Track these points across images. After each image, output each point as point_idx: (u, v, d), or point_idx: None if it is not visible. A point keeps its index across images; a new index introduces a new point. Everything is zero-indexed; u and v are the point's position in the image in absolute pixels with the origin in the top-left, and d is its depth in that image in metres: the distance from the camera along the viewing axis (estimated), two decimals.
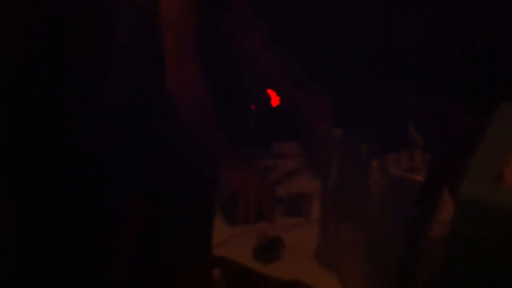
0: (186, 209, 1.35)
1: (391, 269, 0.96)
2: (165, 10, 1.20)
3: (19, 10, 0.89)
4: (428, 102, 1.44)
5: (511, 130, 0.83)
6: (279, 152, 1.53)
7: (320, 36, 1.56)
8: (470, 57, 1.42)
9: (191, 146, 1.32)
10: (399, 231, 0.93)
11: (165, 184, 1.36)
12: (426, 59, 1.47)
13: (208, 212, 1.28)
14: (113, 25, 1.05)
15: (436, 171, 1.11)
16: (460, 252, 0.81)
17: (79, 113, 1.01)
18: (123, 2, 1.05)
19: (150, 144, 1.27)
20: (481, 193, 0.74)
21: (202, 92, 1.28)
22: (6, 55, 0.90)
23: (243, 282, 1.08)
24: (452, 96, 1.42)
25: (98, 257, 1.10)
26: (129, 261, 1.19)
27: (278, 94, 1.58)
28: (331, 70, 1.51)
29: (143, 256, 1.28)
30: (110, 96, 1.09)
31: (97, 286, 1.09)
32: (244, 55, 1.47)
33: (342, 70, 1.51)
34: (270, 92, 1.62)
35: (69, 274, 1.04)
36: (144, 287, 1.15)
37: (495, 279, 0.78)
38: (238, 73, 1.55)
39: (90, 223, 1.06)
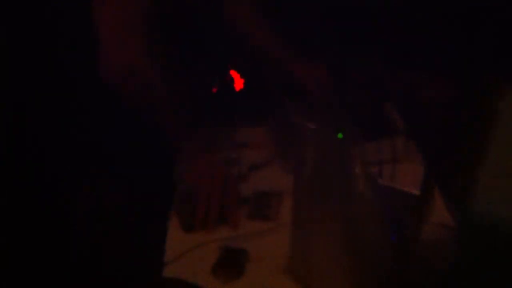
0: (134, 213, 1.16)
1: (378, 280, 0.79)
2: None
3: None
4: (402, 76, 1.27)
5: None
6: (244, 141, 1.34)
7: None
8: (447, 29, 1.27)
9: (142, 134, 1.12)
10: (386, 238, 0.76)
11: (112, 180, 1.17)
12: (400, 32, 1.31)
13: (162, 216, 1.08)
14: None
15: (427, 170, 0.94)
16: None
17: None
18: None
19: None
20: (494, 209, 0.57)
21: (149, 75, 1.08)
22: None
23: None
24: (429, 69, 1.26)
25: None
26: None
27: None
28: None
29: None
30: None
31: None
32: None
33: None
34: (234, 73, 1.42)
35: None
36: None
37: None
38: (197, 52, 1.36)
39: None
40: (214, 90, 1.44)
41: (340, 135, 1.04)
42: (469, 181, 0.78)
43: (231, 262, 0.98)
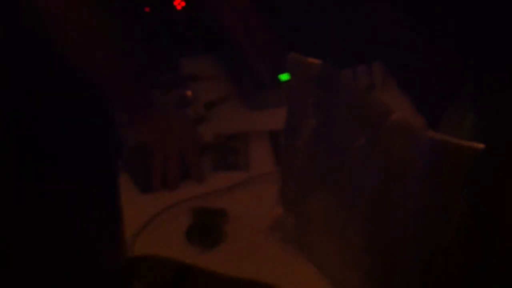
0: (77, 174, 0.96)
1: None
2: None
3: None
4: None
5: None
6: (192, 74, 1.14)
7: None
8: None
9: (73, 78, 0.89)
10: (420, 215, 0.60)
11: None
12: None
13: (111, 180, 0.89)
14: None
15: None
16: None
17: None
18: None
19: None
20: None
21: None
22: None
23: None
24: None
25: None
26: None
27: None
28: None
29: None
30: None
31: None
32: None
33: None
34: None
35: None
36: None
37: None
38: None
39: None
40: (147, 9, 1.20)
41: None
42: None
43: (208, 225, 0.83)
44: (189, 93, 1.05)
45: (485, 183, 0.55)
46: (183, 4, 1.18)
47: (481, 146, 0.53)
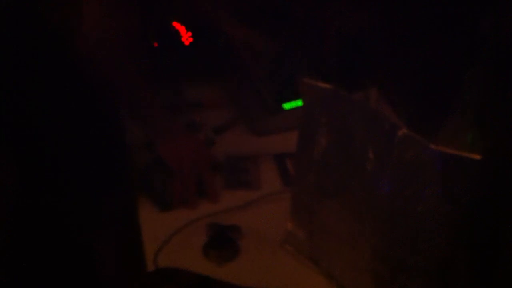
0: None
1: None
2: None
3: None
4: None
5: None
6: (201, 101, 1.21)
7: None
8: None
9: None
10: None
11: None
12: None
13: (129, 197, 0.94)
14: None
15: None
16: None
17: None
18: None
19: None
20: None
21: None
22: None
23: None
24: None
25: None
26: None
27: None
28: None
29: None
30: None
31: None
32: None
33: None
34: (177, 25, 1.27)
35: None
36: None
37: None
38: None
39: None
40: (155, 44, 1.28)
41: None
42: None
43: (224, 240, 0.88)
44: (198, 119, 1.12)
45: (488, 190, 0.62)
46: (191, 40, 1.26)
47: (478, 156, 0.60)
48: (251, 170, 1.02)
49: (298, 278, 0.84)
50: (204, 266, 0.85)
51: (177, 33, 1.27)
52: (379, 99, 1.16)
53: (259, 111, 1.14)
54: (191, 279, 0.80)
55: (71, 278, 0.97)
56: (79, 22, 0.84)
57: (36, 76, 0.90)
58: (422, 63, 1.02)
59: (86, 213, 0.96)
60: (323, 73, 1.01)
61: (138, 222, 0.90)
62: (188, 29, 1.27)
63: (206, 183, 0.96)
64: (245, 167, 1.03)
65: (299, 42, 1.13)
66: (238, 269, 0.85)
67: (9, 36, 0.85)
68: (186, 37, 1.26)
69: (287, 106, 1.15)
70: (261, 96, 1.14)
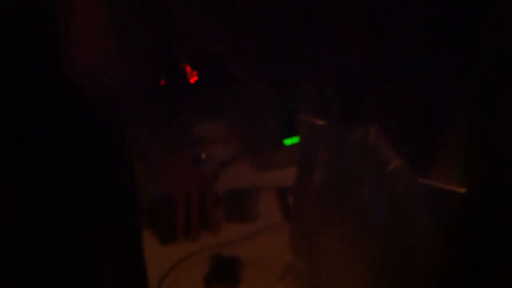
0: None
1: None
2: None
3: None
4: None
5: None
6: (206, 137, 1.26)
7: None
8: None
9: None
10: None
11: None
12: None
13: (135, 231, 0.98)
14: None
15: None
16: None
17: None
18: None
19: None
20: None
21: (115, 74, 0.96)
22: None
23: None
24: None
25: None
26: None
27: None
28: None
29: None
30: None
31: None
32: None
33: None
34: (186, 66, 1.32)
35: None
36: None
37: None
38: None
39: None
40: (162, 82, 1.34)
41: None
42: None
43: (225, 271, 0.91)
44: (203, 155, 1.16)
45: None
46: (196, 78, 1.31)
47: (463, 190, 0.63)
48: (250, 203, 1.06)
49: None
50: None
51: (184, 71, 1.33)
52: (378, 133, 1.20)
53: (261, 146, 1.18)
54: None
55: None
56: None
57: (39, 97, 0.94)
58: (420, 99, 1.06)
59: (93, 244, 1.00)
60: (323, 109, 1.05)
61: (143, 253, 0.93)
62: (193, 68, 1.33)
63: (208, 216, 1.00)
64: (244, 200, 1.06)
65: (300, 78, 1.18)
66: None
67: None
68: (192, 75, 1.32)
69: (288, 141, 1.19)
70: (263, 131, 1.18)
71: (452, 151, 0.73)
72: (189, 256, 0.92)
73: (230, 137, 1.24)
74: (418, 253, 0.65)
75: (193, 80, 1.31)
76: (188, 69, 1.31)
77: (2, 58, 0.83)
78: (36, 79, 0.88)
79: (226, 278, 0.89)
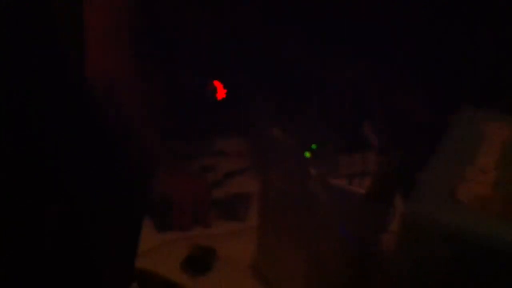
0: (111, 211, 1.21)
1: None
2: None
3: None
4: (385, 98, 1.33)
5: (468, 141, 0.72)
6: (223, 150, 1.40)
7: None
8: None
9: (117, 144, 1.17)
10: (345, 247, 0.81)
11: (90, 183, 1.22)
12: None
13: (136, 218, 1.14)
14: None
15: (388, 176, 1.00)
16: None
17: None
18: None
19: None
20: (429, 210, 0.64)
21: (131, 83, 1.14)
22: None
23: None
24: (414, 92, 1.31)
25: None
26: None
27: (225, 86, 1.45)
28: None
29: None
30: None
31: None
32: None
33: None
34: (217, 83, 1.49)
35: None
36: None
37: None
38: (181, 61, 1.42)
39: None
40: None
41: (314, 146, 1.11)
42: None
43: (199, 258, 1.04)
44: (213, 163, 1.30)
45: None
46: (223, 95, 1.47)
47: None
48: (243, 206, 1.18)
49: None
50: (179, 277, 1.01)
51: (215, 89, 1.49)
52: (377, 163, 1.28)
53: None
54: (159, 282, 0.97)
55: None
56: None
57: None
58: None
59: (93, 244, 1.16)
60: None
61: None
62: (225, 86, 1.49)
63: (200, 217, 1.13)
64: (238, 203, 1.19)
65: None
66: (205, 283, 1.00)
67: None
68: (222, 93, 1.48)
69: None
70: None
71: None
72: (171, 241, 1.07)
73: (243, 153, 1.37)
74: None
75: (221, 97, 1.47)
76: (218, 85, 1.47)
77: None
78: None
79: (199, 264, 1.02)
